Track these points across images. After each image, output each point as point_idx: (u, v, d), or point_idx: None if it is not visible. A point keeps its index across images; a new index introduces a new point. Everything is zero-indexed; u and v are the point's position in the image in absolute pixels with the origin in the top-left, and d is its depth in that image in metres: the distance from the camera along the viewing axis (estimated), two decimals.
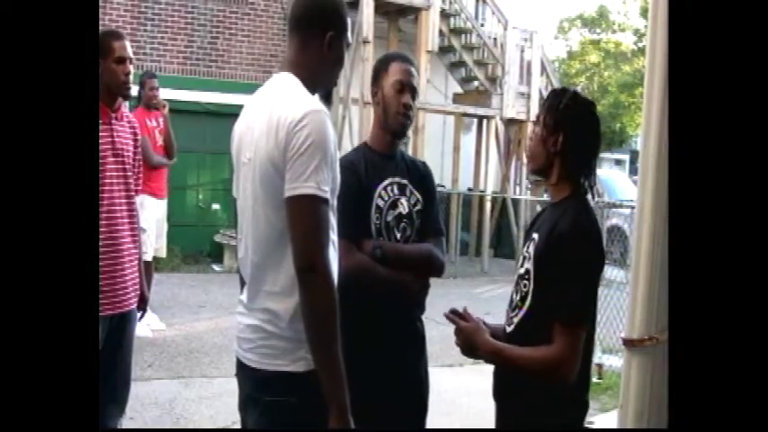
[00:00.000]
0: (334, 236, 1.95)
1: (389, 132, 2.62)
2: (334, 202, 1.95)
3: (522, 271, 2.13)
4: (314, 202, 1.84)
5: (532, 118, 12.42)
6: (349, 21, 2.14)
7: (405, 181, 2.63)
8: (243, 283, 2.10)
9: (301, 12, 2.08)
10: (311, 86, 2.02)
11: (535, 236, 2.11)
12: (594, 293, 2.07)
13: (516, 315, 2.12)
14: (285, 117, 1.88)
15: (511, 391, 2.15)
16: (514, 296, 2.16)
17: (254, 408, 1.99)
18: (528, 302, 2.07)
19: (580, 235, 2.01)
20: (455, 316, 2.18)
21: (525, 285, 2.09)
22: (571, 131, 2.09)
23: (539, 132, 2.12)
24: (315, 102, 1.94)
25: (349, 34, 2.13)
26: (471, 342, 2.11)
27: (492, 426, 2.25)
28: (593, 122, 2.14)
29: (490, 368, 2.21)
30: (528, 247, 2.13)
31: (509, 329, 2.16)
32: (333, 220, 1.94)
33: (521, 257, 2.18)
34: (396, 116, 2.58)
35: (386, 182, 2.59)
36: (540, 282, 2.03)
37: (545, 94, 12.96)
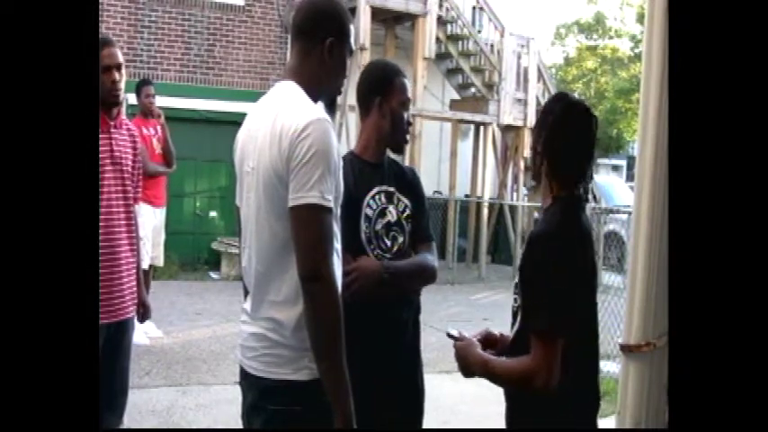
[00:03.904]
0: (338, 245, 1.96)
1: (392, 146, 2.70)
2: (337, 211, 1.95)
3: (514, 283, 2.10)
4: (318, 212, 1.84)
5: (529, 124, 12.56)
6: (352, 28, 2.14)
7: (392, 189, 2.65)
8: (246, 292, 2.10)
9: (302, 19, 2.08)
10: (314, 94, 2.01)
11: None
12: (577, 298, 1.96)
13: (513, 328, 2.10)
14: (288, 126, 1.88)
15: (522, 415, 2.09)
16: (513, 309, 2.13)
17: (258, 416, 1.98)
18: (519, 315, 2.04)
19: (549, 238, 1.96)
20: (452, 338, 2.16)
21: (516, 300, 2.07)
22: (550, 130, 2.03)
23: (533, 135, 2.12)
24: (318, 110, 1.94)
25: (352, 41, 2.13)
26: (464, 357, 2.09)
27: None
28: (574, 121, 2.06)
29: None
30: None
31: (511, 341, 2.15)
32: (336, 228, 1.94)
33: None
34: (404, 133, 2.69)
35: (373, 191, 2.61)
36: (522, 292, 2.00)
37: (542, 100, 13.03)
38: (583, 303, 2.01)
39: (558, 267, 1.90)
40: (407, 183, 2.73)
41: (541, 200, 2.14)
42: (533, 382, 1.89)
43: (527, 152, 12.84)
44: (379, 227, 2.59)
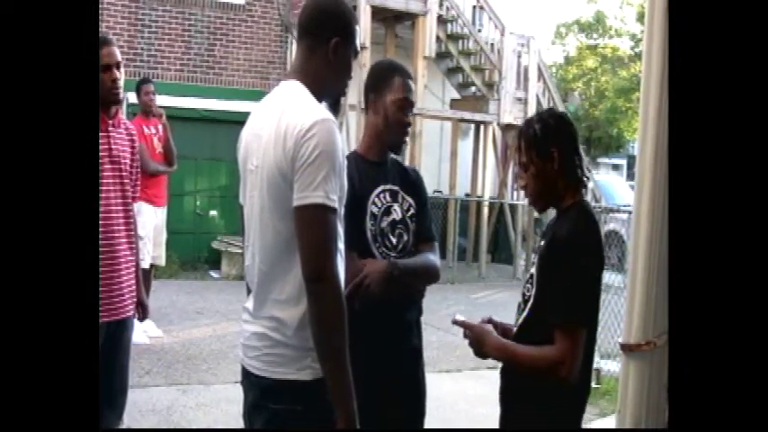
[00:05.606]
0: (341, 245, 1.95)
1: (388, 145, 2.68)
2: (341, 211, 1.95)
3: (528, 276, 2.23)
4: (323, 212, 1.84)
5: None
6: (358, 28, 2.13)
7: (396, 187, 2.66)
8: (249, 291, 2.10)
9: (306, 18, 2.08)
10: (318, 94, 2.01)
11: (542, 243, 2.22)
12: (594, 296, 2.14)
13: (520, 317, 2.21)
14: (293, 126, 1.87)
15: (516, 393, 2.22)
16: (520, 300, 2.26)
17: (260, 416, 1.98)
18: (530, 305, 2.16)
19: (577, 239, 2.09)
20: (458, 325, 2.27)
21: (528, 289, 2.18)
22: (563, 146, 2.18)
23: (534, 169, 2.18)
24: (322, 110, 1.94)
25: (357, 41, 2.12)
26: (481, 340, 2.19)
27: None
28: (574, 131, 2.25)
29: (488, 374, 2.24)
30: (536, 254, 2.23)
31: (515, 331, 2.26)
32: (341, 229, 1.94)
33: (530, 264, 2.26)
34: (398, 133, 2.65)
35: (378, 189, 2.62)
36: (542, 286, 2.12)
37: (542, 99, 13.04)
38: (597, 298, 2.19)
39: (583, 266, 2.08)
40: (411, 182, 2.73)
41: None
42: (558, 372, 2.03)
43: None
44: (384, 225, 2.59)
